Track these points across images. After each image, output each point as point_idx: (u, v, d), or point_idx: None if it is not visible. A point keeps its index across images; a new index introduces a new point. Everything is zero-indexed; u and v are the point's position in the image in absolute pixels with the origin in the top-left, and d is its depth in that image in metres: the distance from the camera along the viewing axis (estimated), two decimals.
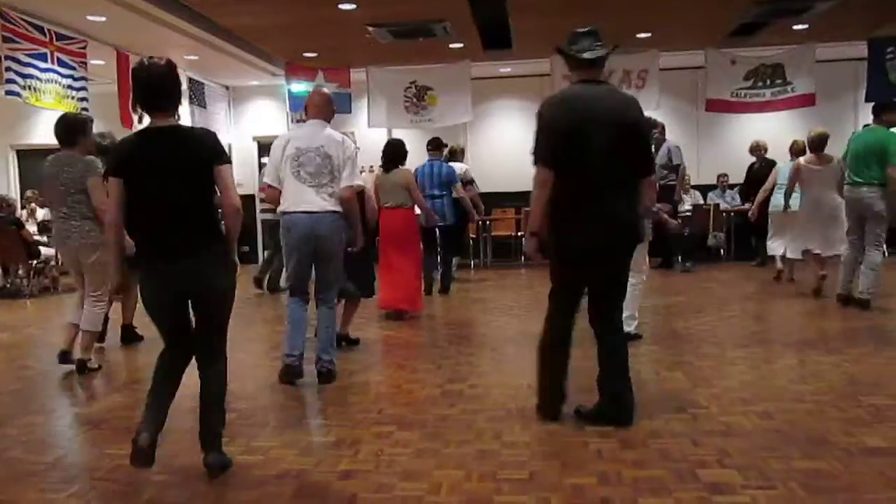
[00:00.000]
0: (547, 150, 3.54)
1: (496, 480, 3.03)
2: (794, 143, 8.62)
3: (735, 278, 9.36)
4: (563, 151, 3.51)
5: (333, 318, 4.83)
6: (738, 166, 11.52)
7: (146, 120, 3.08)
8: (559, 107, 3.59)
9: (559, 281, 3.77)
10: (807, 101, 10.46)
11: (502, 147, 12.16)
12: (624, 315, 4.10)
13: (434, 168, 8.45)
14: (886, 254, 6.71)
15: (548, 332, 3.79)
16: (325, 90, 5.07)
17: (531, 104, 12.95)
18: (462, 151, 10.50)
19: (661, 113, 11.16)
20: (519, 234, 11.78)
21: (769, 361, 4.94)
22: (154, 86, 3.04)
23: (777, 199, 8.20)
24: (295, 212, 4.52)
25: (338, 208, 4.59)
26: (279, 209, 4.61)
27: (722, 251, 11.39)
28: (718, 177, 11.87)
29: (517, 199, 11.76)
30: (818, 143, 7.22)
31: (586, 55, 3.63)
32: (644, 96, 11.10)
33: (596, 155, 3.47)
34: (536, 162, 3.58)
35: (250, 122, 12.96)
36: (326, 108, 4.76)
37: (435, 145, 8.67)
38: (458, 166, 9.33)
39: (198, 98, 11.28)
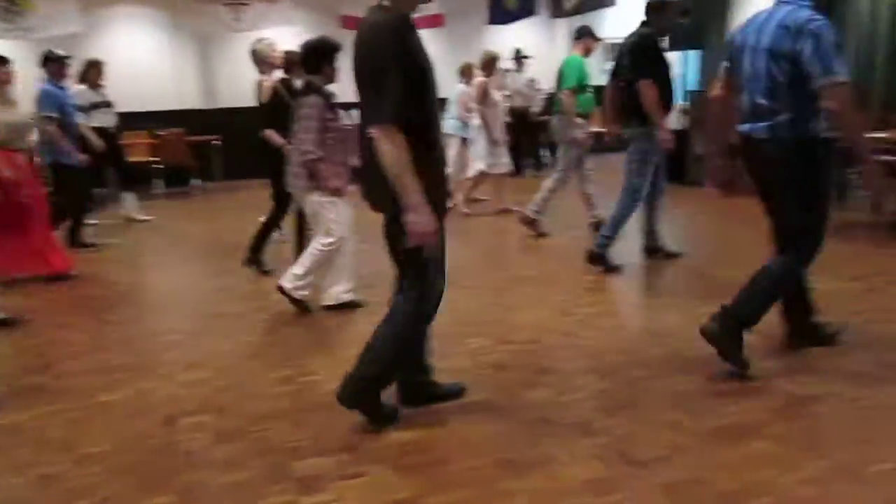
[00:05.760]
0: None
1: None
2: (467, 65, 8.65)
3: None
4: None
5: None
6: None
7: None
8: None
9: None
10: (436, 21, 10.73)
11: (130, 63, 10.78)
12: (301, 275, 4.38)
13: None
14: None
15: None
16: None
17: (160, 12, 11.64)
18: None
19: (297, 30, 10.73)
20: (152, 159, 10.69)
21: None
22: None
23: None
24: None
25: None
26: None
27: None
28: None
29: (150, 120, 10.67)
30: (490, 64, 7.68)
31: None
32: (277, 10, 10.56)
33: None
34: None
35: None
36: None
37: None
38: (78, 88, 7.93)
39: None
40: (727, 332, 3.42)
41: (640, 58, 5.23)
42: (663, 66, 5.37)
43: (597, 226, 6.60)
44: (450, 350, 3.87)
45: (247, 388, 3.56)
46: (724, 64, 3.63)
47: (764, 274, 3.49)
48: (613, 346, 3.90)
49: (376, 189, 2.84)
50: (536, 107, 11.40)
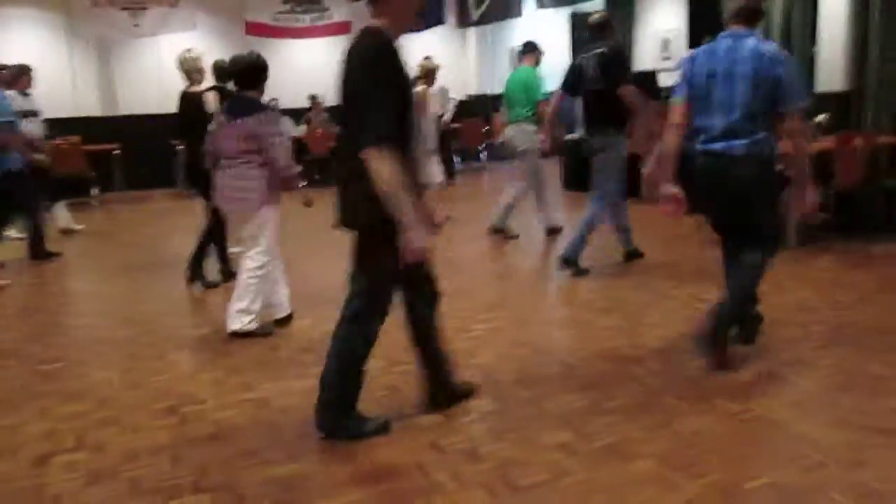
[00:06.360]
0: None
1: None
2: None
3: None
4: None
5: None
6: (290, 91, 11.40)
7: None
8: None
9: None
10: (343, 28, 10.65)
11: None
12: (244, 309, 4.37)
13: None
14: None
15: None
16: None
17: (55, 15, 11.13)
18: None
19: (200, 34, 10.47)
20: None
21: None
22: None
23: None
24: None
25: None
26: None
27: None
28: (269, 101, 11.63)
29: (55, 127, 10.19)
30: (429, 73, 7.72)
31: None
32: (179, 16, 10.27)
33: None
34: None
35: None
36: None
37: None
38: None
39: None
40: (721, 332, 3.69)
41: (615, 68, 5.53)
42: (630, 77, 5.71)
43: (551, 231, 7.07)
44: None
45: (127, 421, 3.40)
46: (682, 90, 3.78)
47: (746, 270, 3.78)
48: (507, 365, 3.90)
49: (349, 206, 2.91)
50: (448, 115, 11.43)
